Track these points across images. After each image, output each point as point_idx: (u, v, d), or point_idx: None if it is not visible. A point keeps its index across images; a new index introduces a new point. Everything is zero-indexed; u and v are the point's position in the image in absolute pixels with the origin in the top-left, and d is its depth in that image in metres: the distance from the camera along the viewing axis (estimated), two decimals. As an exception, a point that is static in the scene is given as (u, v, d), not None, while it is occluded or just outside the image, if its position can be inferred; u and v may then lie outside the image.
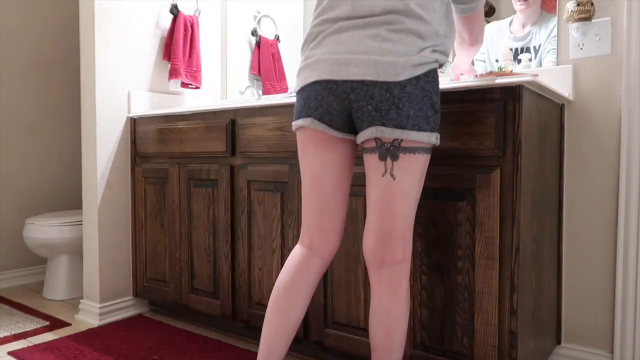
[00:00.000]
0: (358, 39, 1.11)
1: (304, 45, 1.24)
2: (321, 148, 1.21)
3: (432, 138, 1.13)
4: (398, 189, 1.13)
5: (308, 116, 1.19)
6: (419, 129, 1.10)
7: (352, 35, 1.12)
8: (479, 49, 1.49)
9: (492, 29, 1.88)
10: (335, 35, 1.14)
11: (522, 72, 1.66)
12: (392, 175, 1.12)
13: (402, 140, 1.11)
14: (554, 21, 1.72)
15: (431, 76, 1.13)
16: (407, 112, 1.09)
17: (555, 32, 1.71)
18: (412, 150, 1.12)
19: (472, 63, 1.65)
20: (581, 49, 1.64)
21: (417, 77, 1.10)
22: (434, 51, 1.15)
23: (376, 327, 1.19)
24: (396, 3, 1.11)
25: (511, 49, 1.79)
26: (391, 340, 1.18)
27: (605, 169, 1.61)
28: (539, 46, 1.75)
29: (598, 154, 1.62)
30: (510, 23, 1.84)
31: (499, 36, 1.86)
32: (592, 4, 1.57)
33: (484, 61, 1.89)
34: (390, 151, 1.11)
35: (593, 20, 1.60)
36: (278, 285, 1.26)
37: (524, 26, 1.79)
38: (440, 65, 1.22)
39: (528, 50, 1.78)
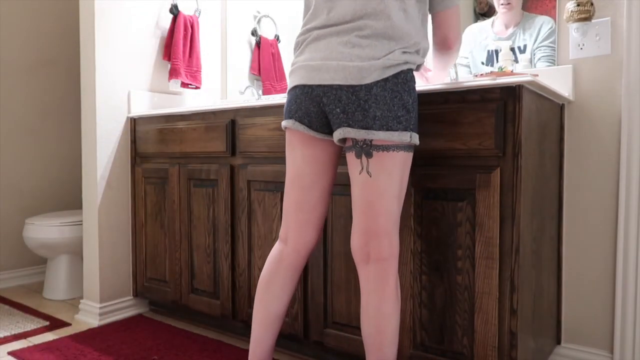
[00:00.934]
0: (332, 46, 1.20)
1: (293, 53, 1.33)
2: (303, 145, 1.30)
3: (404, 137, 1.16)
4: (376, 186, 1.18)
5: (290, 118, 1.29)
6: (388, 129, 1.15)
7: (327, 42, 1.21)
8: (457, 55, 1.39)
9: (473, 30, 1.88)
10: (314, 44, 1.24)
11: (522, 72, 1.66)
12: (368, 172, 1.18)
13: (371, 139, 1.17)
14: (539, 22, 1.73)
15: (401, 77, 1.17)
16: (374, 113, 1.15)
17: (544, 35, 1.72)
18: (386, 148, 1.16)
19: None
20: (581, 49, 1.64)
21: (385, 79, 1.15)
22: (404, 52, 1.18)
23: (366, 324, 1.22)
24: (366, 7, 1.17)
25: (494, 51, 1.80)
26: (382, 337, 1.20)
27: (605, 169, 1.61)
28: (524, 47, 1.76)
29: (598, 154, 1.62)
30: (492, 24, 1.84)
31: (482, 37, 1.85)
32: (592, 4, 1.57)
33: (468, 66, 1.88)
34: (363, 149, 1.18)
35: (593, 21, 1.60)
36: (260, 278, 1.38)
37: (507, 27, 1.80)
38: (418, 67, 1.25)
39: (512, 50, 1.78)
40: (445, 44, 1.34)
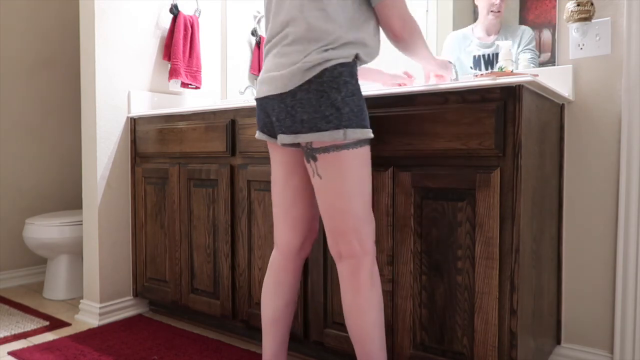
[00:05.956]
0: (271, 58, 1.26)
1: None
2: (273, 151, 1.37)
3: (335, 135, 1.15)
4: (330, 188, 1.21)
5: (258, 129, 1.37)
6: (317, 130, 1.16)
7: (270, 56, 1.28)
8: (416, 42, 1.30)
9: (457, 36, 1.91)
10: (266, 58, 1.31)
11: (522, 72, 1.66)
12: (318, 175, 1.22)
13: (311, 143, 1.20)
14: (520, 30, 1.78)
15: (327, 76, 1.15)
16: (300, 117, 1.17)
17: (526, 41, 1.75)
18: (326, 149, 1.18)
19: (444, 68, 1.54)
20: (581, 49, 1.64)
21: (309, 82, 1.16)
22: (325, 51, 1.16)
23: (346, 319, 1.26)
24: (287, 16, 1.22)
25: (481, 56, 1.85)
26: (361, 331, 1.22)
27: (605, 169, 1.61)
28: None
29: (598, 154, 1.62)
30: (473, 31, 1.88)
31: (466, 44, 1.90)
32: (592, 4, 1.57)
33: (456, 72, 1.89)
34: (308, 153, 1.21)
35: (593, 21, 1.60)
36: (263, 283, 1.44)
37: (488, 34, 1.85)
38: (357, 58, 1.20)
39: (496, 57, 1.82)
40: (393, 35, 1.27)
